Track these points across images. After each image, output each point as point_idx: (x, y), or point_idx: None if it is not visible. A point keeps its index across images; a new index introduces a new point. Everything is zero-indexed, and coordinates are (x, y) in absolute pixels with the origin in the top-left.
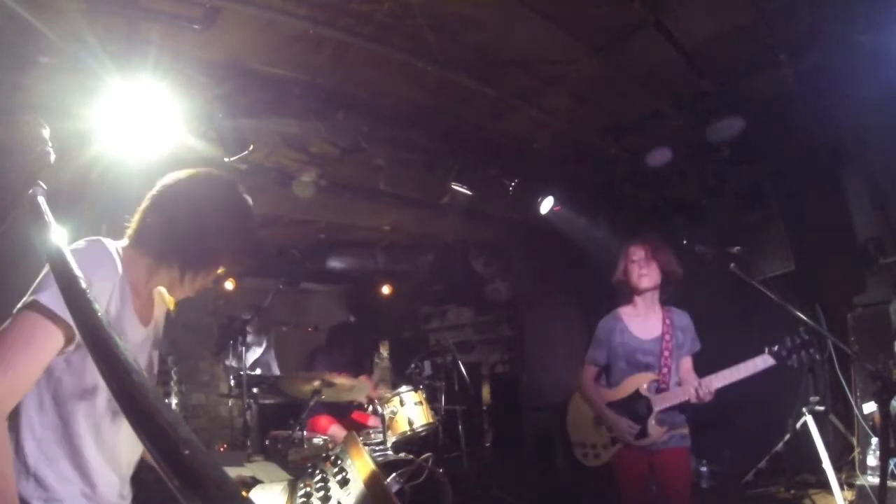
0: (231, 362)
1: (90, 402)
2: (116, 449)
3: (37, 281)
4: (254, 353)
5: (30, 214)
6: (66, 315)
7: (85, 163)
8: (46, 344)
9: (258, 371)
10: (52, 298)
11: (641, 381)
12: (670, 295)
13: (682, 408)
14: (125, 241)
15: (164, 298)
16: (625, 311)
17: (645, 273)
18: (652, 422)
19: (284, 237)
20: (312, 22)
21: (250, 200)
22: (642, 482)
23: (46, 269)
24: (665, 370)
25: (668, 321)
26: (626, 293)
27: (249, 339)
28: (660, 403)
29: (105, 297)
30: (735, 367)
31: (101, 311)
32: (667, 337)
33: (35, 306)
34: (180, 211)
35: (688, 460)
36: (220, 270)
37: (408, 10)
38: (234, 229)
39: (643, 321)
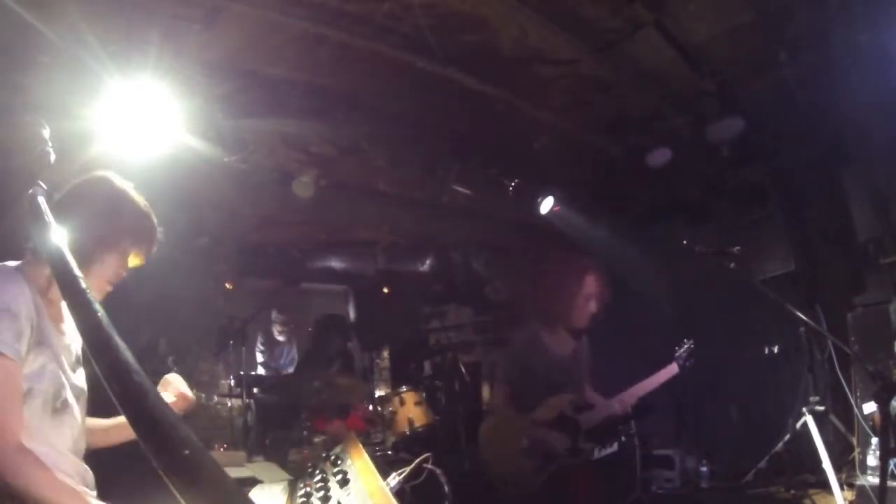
0: (261, 359)
1: (25, 405)
2: (64, 447)
3: None
4: (289, 352)
5: (30, 214)
6: (11, 348)
7: (85, 163)
8: (6, 376)
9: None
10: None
11: None
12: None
13: None
14: (25, 257)
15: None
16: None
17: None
18: None
19: (284, 237)
20: (312, 22)
21: (127, 187)
22: None
23: None
24: None
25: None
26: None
27: (282, 338)
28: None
29: (27, 313)
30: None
31: (101, 312)
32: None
33: None
34: (61, 213)
35: None
36: (131, 255)
37: (408, 10)
38: (111, 214)
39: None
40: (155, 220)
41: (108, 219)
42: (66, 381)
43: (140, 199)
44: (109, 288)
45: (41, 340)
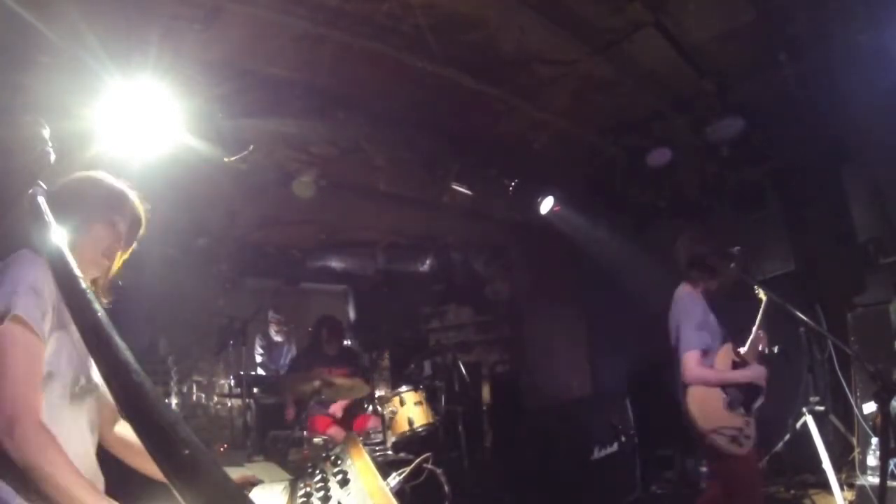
0: (261, 360)
1: (44, 391)
2: (81, 436)
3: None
4: (288, 352)
5: (30, 214)
6: (38, 325)
7: (85, 163)
8: (33, 351)
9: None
10: (27, 309)
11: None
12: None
13: None
14: None
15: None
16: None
17: None
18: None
19: (284, 237)
20: (312, 22)
21: (101, 175)
22: None
23: (7, 271)
24: None
25: None
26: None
27: (279, 338)
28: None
29: (49, 294)
30: None
31: (101, 311)
32: None
33: (15, 319)
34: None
35: None
36: (119, 225)
37: (408, 10)
38: (83, 192)
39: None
40: (133, 193)
41: (80, 195)
42: (82, 367)
43: (114, 179)
44: (107, 262)
45: (61, 324)
